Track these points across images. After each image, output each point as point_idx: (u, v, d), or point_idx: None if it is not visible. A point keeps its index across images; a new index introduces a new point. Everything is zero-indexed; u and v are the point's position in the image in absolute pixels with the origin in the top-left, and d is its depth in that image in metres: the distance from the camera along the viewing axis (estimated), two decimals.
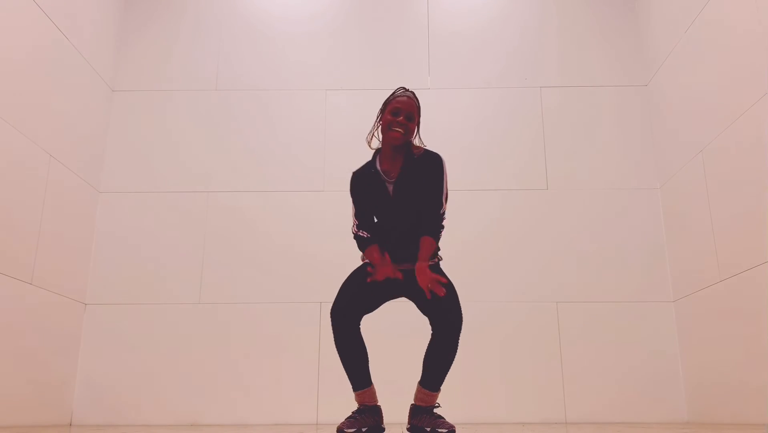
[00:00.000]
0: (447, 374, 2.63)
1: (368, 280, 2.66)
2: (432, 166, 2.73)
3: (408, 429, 2.67)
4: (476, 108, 4.81)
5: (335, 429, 2.66)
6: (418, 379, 2.66)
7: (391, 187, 2.73)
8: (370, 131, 2.82)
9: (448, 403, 4.31)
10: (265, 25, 5.04)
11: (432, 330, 2.61)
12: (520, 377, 4.28)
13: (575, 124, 4.78)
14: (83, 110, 4.45)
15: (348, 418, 2.62)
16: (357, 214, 2.80)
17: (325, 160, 4.71)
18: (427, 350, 2.63)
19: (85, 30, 4.46)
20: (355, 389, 2.67)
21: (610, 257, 4.49)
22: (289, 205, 4.63)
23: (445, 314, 2.55)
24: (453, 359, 2.61)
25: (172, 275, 4.50)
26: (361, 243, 2.77)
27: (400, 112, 2.69)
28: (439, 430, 2.53)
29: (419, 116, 2.77)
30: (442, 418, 2.59)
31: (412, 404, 2.68)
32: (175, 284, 4.48)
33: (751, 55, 3.42)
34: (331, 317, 2.66)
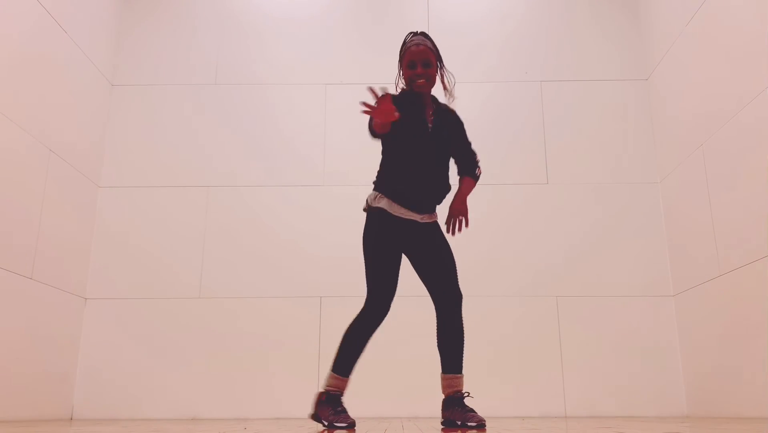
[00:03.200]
0: (463, 353, 2.63)
1: (368, 112, 2.36)
2: (458, 119, 2.81)
3: (441, 423, 2.66)
4: (476, 102, 4.80)
5: (315, 416, 2.62)
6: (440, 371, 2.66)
7: (431, 120, 2.69)
8: (395, 82, 2.80)
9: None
10: (265, 18, 5.03)
11: (437, 308, 2.63)
12: (520, 371, 4.29)
13: (575, 119, 4.77)
14: (83, 105, 4.44)
15: (336, 411, 2.55)
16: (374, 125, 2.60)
17: (325, 154, 4.70)
18: (438, 334, 2.64)
19: (84, 25, 4.44)
20: (345, 375, 2.63)
21: (610, 252, 4.49)
22: (289, 200, 4.63)
23: (453, 287, 2.60)
24: (463, 337, 2.63)
25: (172, 269, 4.50)
26: (371, 132, 2.62)
27: (416, 64, 2.68)
28: (469, 424, 2.49)
29: (437, 57, 2.75)
30: (473, 411, 2.55)
31: (444, 398, 2.65)
32: (176, 278, 4.48)
33: (751, 49, 3.41)
34: (376, 311, 2.58)
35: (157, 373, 4.31)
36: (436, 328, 2.67)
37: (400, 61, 2.75)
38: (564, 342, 4.33)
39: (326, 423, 2.53)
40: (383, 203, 2.64)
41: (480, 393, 4.35)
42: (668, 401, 4.22)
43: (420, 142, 2.64)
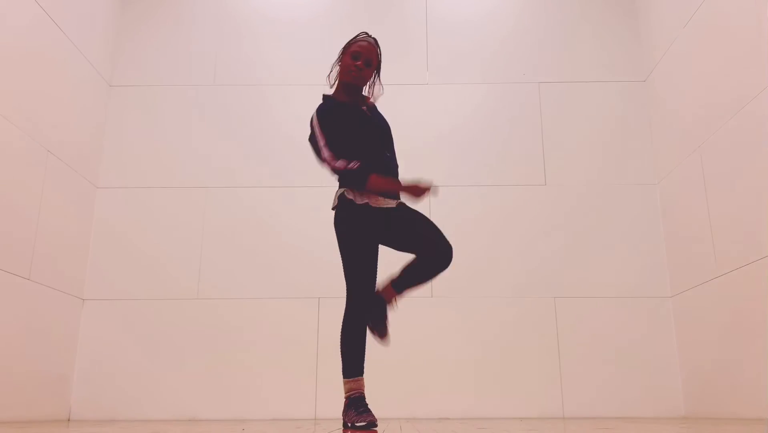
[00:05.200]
0: (414, 287, 2.64)
1: (415, 198, 2.60)
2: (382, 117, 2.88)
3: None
4: (474, 104, 4.81)
5: (344, 423, 2.60)
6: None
7: (369, 114, 2.78)
8: (330, 72, 2.90)
9: (446, 398, 4.33)
10: (263, 19, 5.02)
11: (423, 252, 2.62)
12: (518, 372, 4.29)
13: (573, 120, 4.78)
14: (81, 105, 4.44)
15: (358, 412, 2.53)
16: (329, 144, 2.66)
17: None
18: (414, 261, 2.63)
19: (82, 25, 4.44)
20: (355, 375, 2.61)
21: (607, 253, 4.50)
22: (287, 201, 4.62)
23: (438, 241, 2.59)
24: (425, 279, 2.63)
25: (170, 270, 4.49)
26: (358, 174, 2.62)
27: (360, 57, 2.75)
28: (357, 424, 2.48)
29: (378, 64, 2.82)
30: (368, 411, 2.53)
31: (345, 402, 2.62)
32: (173, 279, 4.48)
33: (749, 51, 3.42)
34: (358, 304, 2.60)
35: (155, 374, 4.30)
36: (415, 258, 2.64)
37: (344, 50, 2.82)
38: (562, 343, 4.34)
39: (349, 424, 2.53)
40: (351, 195, 2.68)
41: (478, 394, 4.37)
42: (666, 402, 4.23)
43: (367, 136, 2.72)
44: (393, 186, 2.66)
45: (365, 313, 2.62)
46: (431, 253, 2.61)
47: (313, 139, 2.73)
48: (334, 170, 2.68)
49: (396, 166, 2.82)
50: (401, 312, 4.07)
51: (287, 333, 4.36)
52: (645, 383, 4.26)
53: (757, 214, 3.34)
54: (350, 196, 2.67)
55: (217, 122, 4.80)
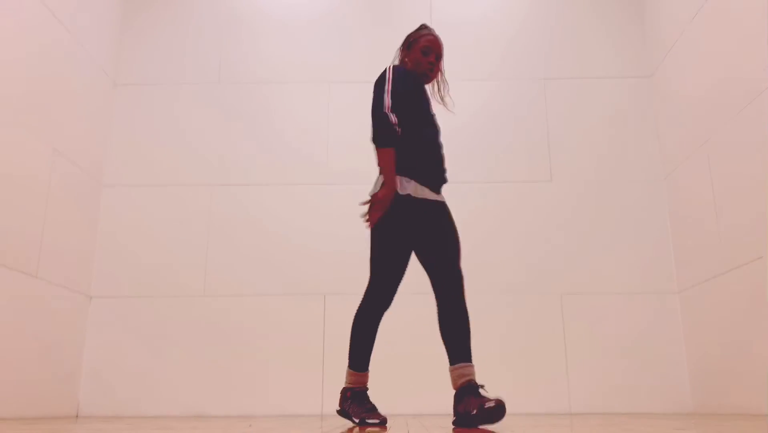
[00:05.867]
0: (470, 340, 2.46)
1: (373, 219, 2.51)
2: None
3: (453, 423, 2.42)
4: (480, 100, 4.80)
5: (342, 412, 2.59)
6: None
7: (431, 102, 2.71)
8: (394, 60, 2.81)
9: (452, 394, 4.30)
10: (268, 17, 5.03)
11: (436, 292, 2.49)
12: (525, 369, 4.29)
13: (579, 116, 4.76)
14: (86, 104, 4.45)
15: (365, 408, 2.51)
16: (394, 107, 2.52)
17: (329, 152, 4.70)
18: (440, 322, 2.48)
19: (87, 24, 4.45)
20: (362, 369, 2.59)
21: (614, 249, 4.48)
22: (292, 198, 4.63)
23: (453, 268, 2.48)
24: (468, 323, 2.45)
25: (176, 267, 4.51)
26: (390, 133, 2.48)
27: (431, 52, 2.71)
28: (486, 406, 2.22)
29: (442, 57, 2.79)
30: (488, 397, 2.31)
31: (455, 392, 2.42)
32: (180, 276, 4.49)
33: (756, 45, 3.39)
34: (382, 297, 2.53)
35: (161, 370, 4.32)
36: (437, 316, 2.51)
37: (413, 42, 2.74)
38: (568, 339, 4.33)
39: (357, 420, 2.48)
40: (410, 188, 2.53)
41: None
42: (673, 397, 4.21)
43: (426, 119, 2.64)
44: (388, 175, 2.50)
45: (382, 307, 2.55)
46: (444, 276, 2.48)
47: (380, 84, 2.59)
48: (384, 122, 2.49)
49: (443, 170, 2.69)
50: (407, 309, 4.08)
51: (293, 330, 4.37)
52: (652, 378, 4.24)
53: (765, 210, 3.32)
54: (410, 191, 2.55)
55: (222, 120, 4.80)
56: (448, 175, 2.73)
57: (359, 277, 4.45)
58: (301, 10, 5.03)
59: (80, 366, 4.31)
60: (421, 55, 2.68)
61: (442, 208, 2.62)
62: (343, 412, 2.59)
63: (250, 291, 4.46)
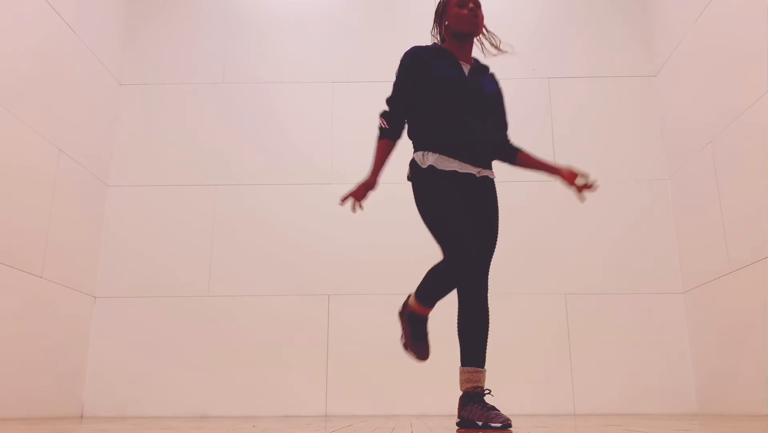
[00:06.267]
0: (486, 344, 2.37)
1: (344, 201, 2.51)
2: (497, 83, 2.61)
3: (458, 424, 2.33)
4: None
5: (463, 421, 2.31)
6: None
7: (467, 70, 2.48)
8: (432, 31, 2.63)
9: (457, 395, 4.29)
10: (272, 17, 5.03)
11: (458, 289, 2.34)
12: (529, 369, 4.28)
13: (583, 115, 4.75)
14: (91, 104, 4.46)
15: (485, 407, 2.21)
16: (392, 99, 2.51)
17: (333, 152, 4.70)
18: (459, 320, 2.37)
19: (92, 24, 4.46)
20: (427, 305, 2.48)
21: (619, 249, 4.47)
22: (297, 198, 4.63)
23: (482, 266, 2.32)
24: (487, 325, 2.37)
25: (180, 267, 4.51)
26: (380, 126, 2.52)
27: (467, 2, 2.52)
28: (492, 424, 2.12)
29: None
30: (496, 409, 2.19)
31: (461, 394, 2.33)
32: (184, 276, 4.50)
33: (761, 45, 3.38)
34: (463, 262, 2.28)
35: (166, 370, 4.32)
36: (457, 314, 2.38)
37: (445, 4, 2.56)
38: (573, 339, 4.32)
39: (480, 423, 2.19)
40: (431, 160, 2.39)
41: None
42: (678, 398, 4.20)
43: (455, 91, 2.42)
44: (372, 166, 2.54)
45: (465, 270, 2.29)
46: (444, 258, 2.34)
47: None
48: (381, 115, 2.53)
49: (486, 139, 2.45)
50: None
51: (297, 330, 4.37)
52: (657, 379, 4.23)
53: None
54: (432, 163, 2.39)
55: (227, 121, 4.81)
56: (488, 148, 2.47)
57: (363, 278, 4.48)
58: (305, 11, 5.04)
59: (84, 366, 4.32)
60: (457, 9, 2.50)
61: (477, 183, 2.43)
62: (465, 422, 2.26)
63: (254, 292, 4.46)
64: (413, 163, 2.46)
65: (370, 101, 4.73)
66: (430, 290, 2.46)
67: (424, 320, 2.54)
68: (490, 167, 2.51)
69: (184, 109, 4.84)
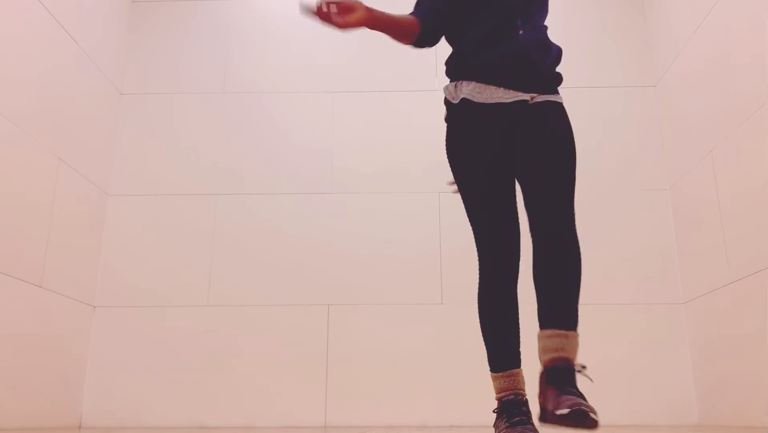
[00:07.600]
0: (578, 296, 1.73)
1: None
2: None
3: (539, 419, 1.77)
4: None
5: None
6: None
7: None
8: None
9: (457, 405, 4.29)
10: (273, 27, 5.05)
11: (534, 226, 1.78)
12: (528, 380, 4.25)
13: (583, 125, 4.74)
14: (91, 113, 4.47)
15: (509, 421, 1.82)
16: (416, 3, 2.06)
17: (333, 162, 4.70)
18: (535, 268, 1.79)
19: (92, 33, 4.48)
20: (501, 370, 1.80)
21: (619, 259, 4.46)
22: (296, 208, 4.63)
23: (558, 199, 1.72)
24: (580, 271, 1.71)
25: (180, 277, 4.51)
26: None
27: None
28: (557, 412, 1.60)
29: None
30: (575, 391, 1.67)
31: (541, 372, 1.78)
32: (184, 286, 4.49)
33: (760, 55, 3.39)
34: (490, 256, 1.76)
35: (165, 381, 4.31)
36: (533, 255, 1.81)
37: None
38: None
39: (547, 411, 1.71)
40: (465, 91, 1.91)
41: (489, 402, 4.33)
42: (679, 409, 4.18)
43: (487, 6, 1.94)
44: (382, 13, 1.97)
45: (503, 269, 1.73)
46: (534, 238, 1.69)
47: None
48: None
49: (527, 41, 1.97)
50: (411, 319, 4.05)
51: (297, 340, 4.36)
52: (657, 390, 4.21)
53: None
54: (466, 95, 1.89)
55: (227, 130, 4.82)
56: (537, 62, 1.98)
57: (363, 287, 4.48)
58: (307, 21, 5.05)
59: (84, 376, 4.30)
60: None
61: (531, 112, 1.93)
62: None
63: (254, 301, 4.45)
64: (445, 101, 2.00)
65: (371, 111, 4.76)
66: (488, 341, 1.85)
67: (514, 402, 1.86)
68: (551, 90, 1.94)
69: (184, 119, 4.85)
